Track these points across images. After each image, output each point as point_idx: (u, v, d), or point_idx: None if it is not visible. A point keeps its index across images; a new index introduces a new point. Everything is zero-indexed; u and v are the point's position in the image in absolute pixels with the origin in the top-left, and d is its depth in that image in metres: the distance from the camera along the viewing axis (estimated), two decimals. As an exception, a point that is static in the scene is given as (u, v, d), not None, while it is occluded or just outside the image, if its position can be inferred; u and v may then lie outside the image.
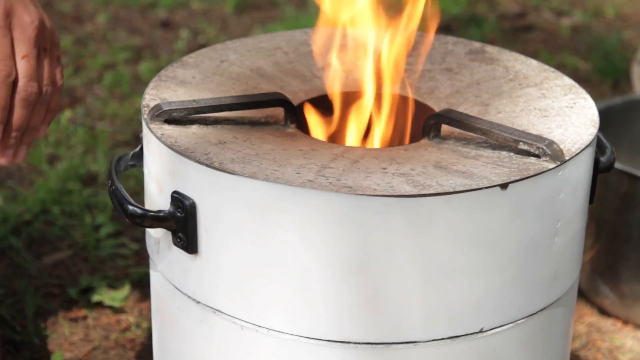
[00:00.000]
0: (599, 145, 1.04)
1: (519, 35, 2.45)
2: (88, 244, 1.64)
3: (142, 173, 1.76)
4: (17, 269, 1.59)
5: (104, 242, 1.65)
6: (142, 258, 1.63)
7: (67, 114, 2.02)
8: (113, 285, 1.56)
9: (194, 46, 2.34)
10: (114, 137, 1.96)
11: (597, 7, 2.58)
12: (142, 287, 1.57)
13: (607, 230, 1.52)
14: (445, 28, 2.44)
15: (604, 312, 1.57)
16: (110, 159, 1.86)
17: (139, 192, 1.70)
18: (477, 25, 2.46)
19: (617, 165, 1.48)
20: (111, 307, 1.53)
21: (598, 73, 2.24)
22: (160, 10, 2.51)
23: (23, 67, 1.01)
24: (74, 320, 1.50)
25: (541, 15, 2.55)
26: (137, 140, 1.96)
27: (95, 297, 1.53)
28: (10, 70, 0.99)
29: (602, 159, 1.02)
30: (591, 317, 1.56)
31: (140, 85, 2.15)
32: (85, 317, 1.51)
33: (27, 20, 1.00)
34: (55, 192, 1.74)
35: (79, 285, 1.56)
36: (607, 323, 1.55)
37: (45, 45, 1.03)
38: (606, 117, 1.62)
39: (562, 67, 2.26)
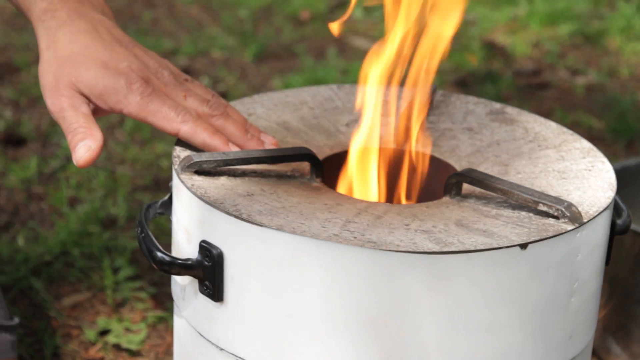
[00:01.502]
0: (615, 208, 1.07)
1: (534, 92, 2.48)
2: (106, 286, 1.66)
3: (161, 219, 1.78)
4: (36, 309, 1.62)
5: (122, 285, 1.68)
6: (159, 302, 1.65)
7: (88, 157, 2.05)
8: (130, 328, 1.59)
9: (214, 94, 2.38)
10: (134, 182, 2.00)
11: (612, 67, 2.62)
12: (158, 330, 1.59)
13: (620, 290, 1.54)
14: (461, 84, 2.48)
15: (614, 370, 1.58)
16: (130, 203, 1.89)
17: (158, 236, 1.73)
18: (492, 82, 2.49)
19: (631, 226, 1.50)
20: (128, 350, 1.55)
21: (612, 132, 2.27)
22: (181, 57, 2.55)
23: (191, 103, 1.05)
24: (91, 361, 1.53)
25: (556, 74, 2.59)
26: (157, 184, 1.99)
27: (113, 340, 1.56)
28: (187, 116, 1.03)
29: (619, 221, 1.05)
30: (602, 375, 1.57)
31: (160, 131, 2.18)
32: (102, 359, 1.53)
33: (164, 74, 1.05)
34: (75, 234, 1.77)
35: (96, 327, 1.58)
36: (617, 382, 1.56)
37: (181, 78, 1.08)
38: (621, 178, 1.64)
39: (576, 126, 2.29)
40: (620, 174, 1.64)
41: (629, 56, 2.68)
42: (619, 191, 1.62)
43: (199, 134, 1.02)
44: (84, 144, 1.01)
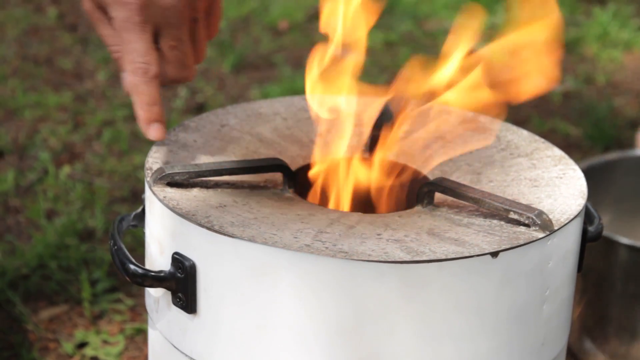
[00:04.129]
0: (587, 215, 1.07)
1: (511, 100, 2.49)
2: (84, 298, 1.66)
3: (138, 231, 1.78)
4: (13, 322, 1.61)
5: (100, 297, 1.68)
6: (137, 314, 1.65)
7: (65, 169, 2.05)
8: (108, 340, 1.58)
9: (192, 104, 2.38)
10: (112, 194, 1.99)
11: (589, 74, 2.63)
12: (136, 342, 1.59)
13: (592, 290, 1.55)
14: (439, 92, 2.48)
15: (591, 376, 1.59)
16: (108, 215, 1.89)
17: (135, 248, 1.73)
18: (470, 90, 2.50)
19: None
20: (106, 363, 1.55)
21: (589, 139, 2.28)
22: (160, 68, 2.55)
23: (173, 56, 1.01)
24: (69, 374, 1.52)
25: (533, 81, 2.60)
26: (135, 196, 1.99)
27: (90, 352, 1.55)
28: (147, 68, 1.00)
29: (590, 228, 1.05)
30: (579, 381, 1.58)
31: (138, 142, 2.18)
32: (80, 372, 1.53)
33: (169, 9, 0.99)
34: (52, 247, 1.77)
35: (74, 339, 1.58)
36: (594, 387, 1.57)
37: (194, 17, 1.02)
38: (587, 176, 1.66)
39: (553, 133, 2.30)
40: (586, 173, 1.66)
41: (605, 63, 2.69)
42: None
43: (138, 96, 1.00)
44: (155, 126, 1.02)
